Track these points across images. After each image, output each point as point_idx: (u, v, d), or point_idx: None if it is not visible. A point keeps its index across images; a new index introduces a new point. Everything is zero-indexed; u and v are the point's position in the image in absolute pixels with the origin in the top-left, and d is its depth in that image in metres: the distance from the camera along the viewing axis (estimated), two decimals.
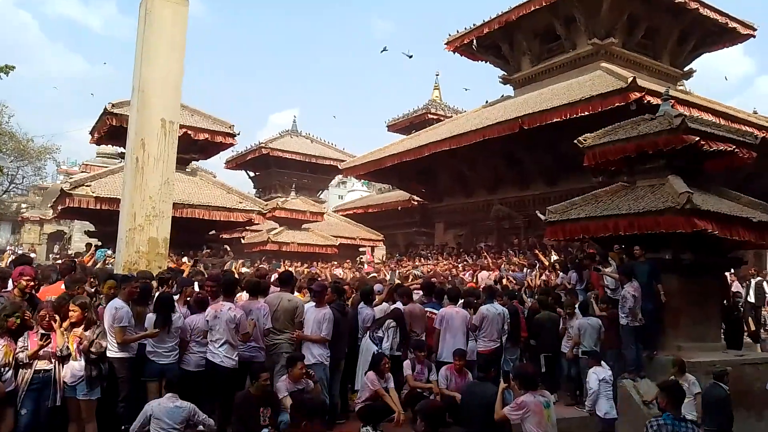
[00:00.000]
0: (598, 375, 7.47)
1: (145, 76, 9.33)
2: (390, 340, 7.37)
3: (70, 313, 5.35)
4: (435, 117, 28.79)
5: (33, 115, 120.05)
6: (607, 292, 9.59)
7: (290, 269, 14.68)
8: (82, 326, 5.36)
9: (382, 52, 24.63)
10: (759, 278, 13.29)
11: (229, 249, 19.16)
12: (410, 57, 24.01)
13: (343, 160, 28.21)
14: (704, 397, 7.10)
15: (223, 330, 6.31)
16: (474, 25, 20.56)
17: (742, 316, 11.25)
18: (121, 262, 9.05)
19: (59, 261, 14.79)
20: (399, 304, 8.19)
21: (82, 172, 28.05)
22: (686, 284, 8.83)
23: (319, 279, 11.58)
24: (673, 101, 11.07)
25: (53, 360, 5.21)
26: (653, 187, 9.02)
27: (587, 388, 7.60)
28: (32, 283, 6.20)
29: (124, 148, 11.05)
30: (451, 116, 26.46)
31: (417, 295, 9.46)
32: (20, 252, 28.75)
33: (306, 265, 19.42)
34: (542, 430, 5.18)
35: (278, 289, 7.51)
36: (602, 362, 7.78)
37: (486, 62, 22.40)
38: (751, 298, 12.87)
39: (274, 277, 9.70)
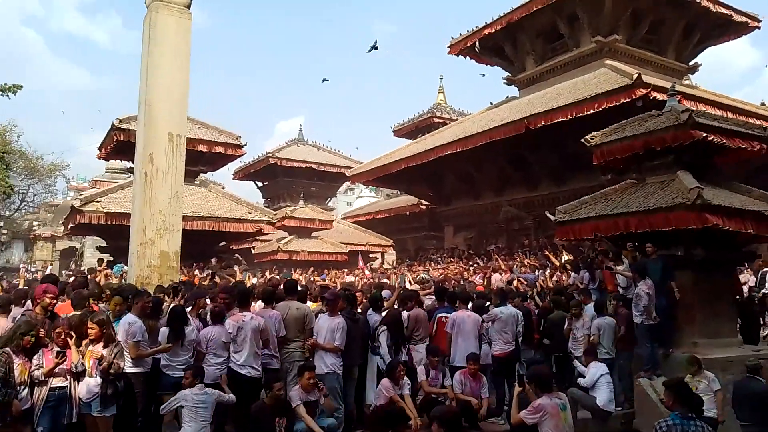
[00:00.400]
0: (599, 370, 7.60)
1: (151, 89, 9.40)
2: (384, 347, 7.34)
3: (89, 331, 5.35)
4: (440, 120, 28.80)
5: (39, 127, 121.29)
6: (619, 290, 9.55)
7: (296, 278, 14.69)
8: (101, 344, 5.37)
9: (369, 51, 24.48)
10: (765, 269, 13.25)
11: (240, 258, 19.13)
12: (376, 48, 23.71)
13: (350, 167, 28.28)
14: (737, 391, 6.96)
15: (248, 340, 6.37)
16: (476, 27, 20.59)
17: (758, 310, 11.14)
18: (133, 277, 9.10)
19: (72, 277, 14.89)
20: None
21: (92, 188, 28.26)
22: (699, 280, 8.74)
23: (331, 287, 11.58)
24: (679, 96, 10.99)
25: (68, 377, 5.23)
26: (663, 183, 8.95)
27: (588, 379, 7.68)
28: (55, 301, 6.25)
29: (133, 162, 11.13)
30: (457, 119, 26.49)
31: (430, 299, 9.45)
32: (33, 269, 29.01)
33: (316, 274, 19.44)
34: None
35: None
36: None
37: (490, 65, 22.43)
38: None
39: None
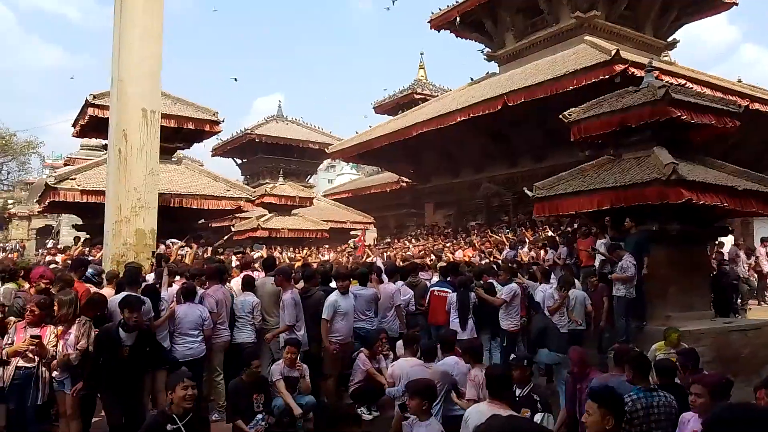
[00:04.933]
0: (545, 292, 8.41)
1: (123, 66, 9.20)
2: None
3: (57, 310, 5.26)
4: (421, 97, 28.65)
5: (11, 106, 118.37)
6: (596, 266, 9.66)
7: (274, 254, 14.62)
8: (66, 323, 5.28)
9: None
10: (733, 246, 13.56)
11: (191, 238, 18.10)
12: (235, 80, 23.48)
13: (330, 144, 28.05)
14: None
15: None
16: (457, 1, 20.40)
17: (730, 283, 11.39)
18: (109, 255, 8.99)
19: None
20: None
21: (67, 165, 27.69)
22: (674, 254, 8.89)
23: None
24: (657, 72, 11.04)
25: (36, 359, 5.13)
26: (639, 159, 9.03)
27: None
28: (50, 286, 6.17)
29: (107, 139, 10.92)
30: (438, 95, 26.34)
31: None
32: (9, 248, 28.46)
33: (297, 251, 19.37)
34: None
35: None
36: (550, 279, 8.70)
37: (470, 40, 22.27)
38: None
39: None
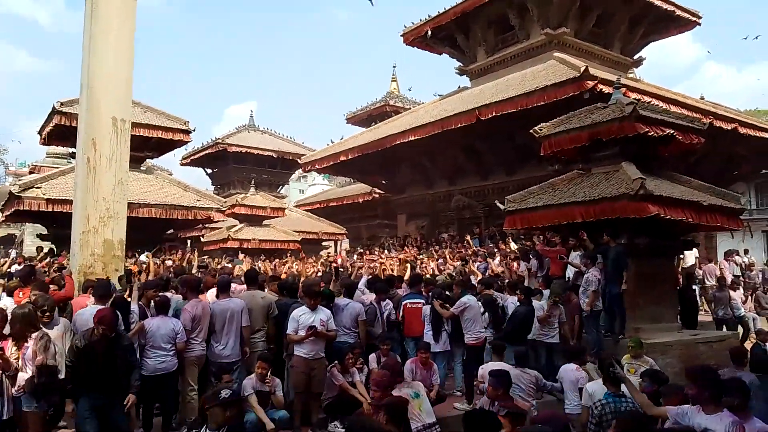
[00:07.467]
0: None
1: (94, 73, 9.00)
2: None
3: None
4: (393, 109, 28.84)
5: None
6: (568, 278, 9.77)
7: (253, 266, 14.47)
8: (21, 338, 5.11)
9: None
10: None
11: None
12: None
13: (302, 154, 27.98)
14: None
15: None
16: (429, 16, 20.64)
17: (695, 296, 11.61)
18: (76, 266, 8.77)
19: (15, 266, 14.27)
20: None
21: (32, 173, 27.01)
22: (642, 267, 9.05)
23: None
24: (624, 89, 11.29)
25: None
26: (608, 174, 9.21)
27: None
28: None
29: (75, 147, 10.70)
30: (410, 108, 26.54)
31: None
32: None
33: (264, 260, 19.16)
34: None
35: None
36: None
37: (442, 54, 22.51)
38: None
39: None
